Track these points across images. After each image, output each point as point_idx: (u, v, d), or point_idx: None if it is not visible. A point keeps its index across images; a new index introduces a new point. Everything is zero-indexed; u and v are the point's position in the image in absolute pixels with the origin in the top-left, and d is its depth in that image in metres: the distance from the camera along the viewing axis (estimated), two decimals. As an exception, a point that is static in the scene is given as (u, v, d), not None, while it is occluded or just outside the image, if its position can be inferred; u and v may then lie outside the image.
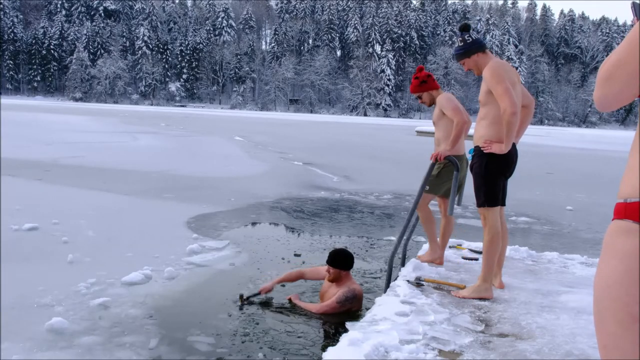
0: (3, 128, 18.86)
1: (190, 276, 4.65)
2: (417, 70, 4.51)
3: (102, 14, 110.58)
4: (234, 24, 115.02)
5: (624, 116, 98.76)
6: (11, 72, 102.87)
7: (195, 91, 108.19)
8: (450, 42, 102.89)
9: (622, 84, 1.15)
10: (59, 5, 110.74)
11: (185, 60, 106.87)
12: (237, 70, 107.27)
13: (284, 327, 3.63)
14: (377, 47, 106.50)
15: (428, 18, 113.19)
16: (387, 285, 3.92)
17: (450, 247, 5.07)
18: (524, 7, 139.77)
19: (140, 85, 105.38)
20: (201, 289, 4.38)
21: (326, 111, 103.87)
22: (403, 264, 4.53)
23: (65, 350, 3.08)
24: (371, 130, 41.01)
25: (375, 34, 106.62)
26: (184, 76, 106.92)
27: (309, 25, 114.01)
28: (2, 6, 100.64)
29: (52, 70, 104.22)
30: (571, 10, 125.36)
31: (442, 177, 4.31)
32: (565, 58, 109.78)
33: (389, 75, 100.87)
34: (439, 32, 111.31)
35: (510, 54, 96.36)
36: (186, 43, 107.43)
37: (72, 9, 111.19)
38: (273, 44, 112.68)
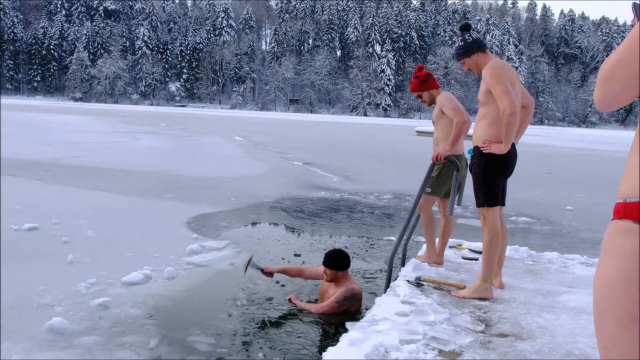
0: (3, 128, 18.86)
1: (190, 276, 4.65)
2: (417, 70, 4.52)
3: (102, 14, 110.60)
4: (234, 24, 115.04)
5: (624, 116, 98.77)
6: (11, 72, 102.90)
7: (195, 91, 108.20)
8: (450, 42, 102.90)
9: (623, 84, 1.15)
10: (59, 5, 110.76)
11: (185, 60, 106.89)
12: (237, 70, 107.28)
13: (284, 327, 3.63)
14: (377, 47, 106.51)
15: (428, 18, 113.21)
16: (387, 285, 3.92)
17: (450, 247, 5.07)
18: (524, 7, 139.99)
19: (140, 85, 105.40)
20: (201, 289, 4.38)
21: (326, 111, 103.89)
22: (403, 264, 4.53)
23: (65, 350, 3.08)
24: (371, 130, 41.01)
25: (375, 34, 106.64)
26: (184, 76, 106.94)
27: (309, 25, 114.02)
28: (2, 6, 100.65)
29: (52, 70, 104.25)
30: (571, 10, 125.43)
31: (442, 178, 4.31)
32: (565, 58, 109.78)
33: (389, 75, 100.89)
34: (439, 32, 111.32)
35: (510, 54, 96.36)
36: (186, 43, 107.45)
37: (72, 9, 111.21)
38: (273, 44, 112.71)
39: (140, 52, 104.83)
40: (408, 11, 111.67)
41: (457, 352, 2.66)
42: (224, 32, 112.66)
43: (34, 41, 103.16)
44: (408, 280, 3.85)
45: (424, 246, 4.90)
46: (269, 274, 4.28)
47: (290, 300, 4.10)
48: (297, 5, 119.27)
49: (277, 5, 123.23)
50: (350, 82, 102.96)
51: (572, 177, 15.50)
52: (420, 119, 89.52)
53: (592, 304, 1.22)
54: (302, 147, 20.88)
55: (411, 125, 51.74)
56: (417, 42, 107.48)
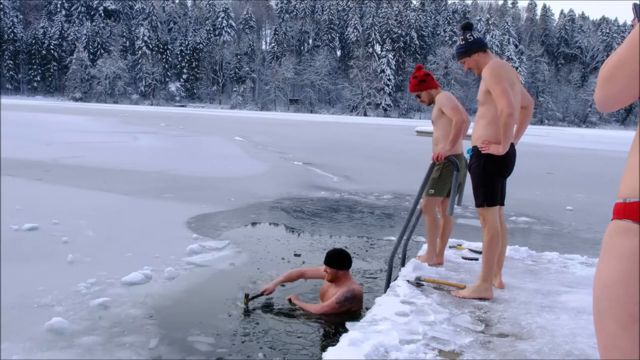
0: (3, 128, 18.86)
1: (190, 276, 4.65)
2: (415, 69, 4.51)
3: (102, 14, 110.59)
4: (234, 24, 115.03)
5: (624, 116, 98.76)
6: (11, 72, 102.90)
7: (195, 91, 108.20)
8: (450, 42, 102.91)
9: (623, 84, 1.15)
10: (59, 5, 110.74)
11: (185, 60, 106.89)
12: (237, 70, 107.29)
13: (284, 327, 3.63)
14: (377, 47, 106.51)
15: (428, 18, 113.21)
16: (387, 285, 3.92)
17: (450, 247, 5.07)
18: (524, 7, 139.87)
19: (140, 85, 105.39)
20: (201, 289, 4.38)
21: (326, 111, 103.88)
22: (403, 264, 4.53)
23: (65, 350, 3.08)
24: (371, 130, 41.01)
25: (375, 34, 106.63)
26: (184, 76, 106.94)
27: (309, 25, 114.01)
28: (2, 6, 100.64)
29: (52, 70, 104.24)
30: (571, 10, 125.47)
31: (443, 178, 4.31)
32: (565, 58, 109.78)
33: (389, 75, 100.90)
34: (439, 32, 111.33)
35: (510, 54, 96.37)
36: (186, 43, 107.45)
37: (72, 9, 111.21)
38: (273, 44, 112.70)
39: (140, 52, 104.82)
40: (408, 11, 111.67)
41: (457, 352, 2.66)
42: (224, 32, 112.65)
43: (34, 41, 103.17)
44: (408, 280, 3.85)
45: (424, 246, 4.90)
46: (271, 291, 4.17)
47: (290, 300, 4.10)
48: (297, 5, 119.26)
49: (277, 5, 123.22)
50: (350, 82, 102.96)
51: (572, 177, 15.50)
52: (420, 119, 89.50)
53: (592, 304, 1.22)
54: (302, 147, 20.88)
55: (411, 125, 51.74)
56: (417, 42, 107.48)
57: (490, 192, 3.55)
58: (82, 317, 3.57)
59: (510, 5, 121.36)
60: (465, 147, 4.10)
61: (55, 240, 5.48)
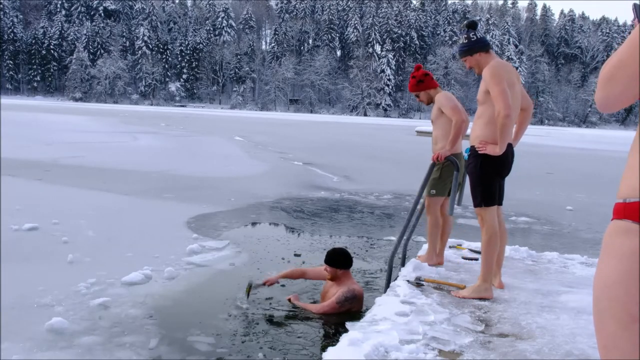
0: (3, 128, 18.86)
1: (190, 276, 4.65)
2: (415, 69, 4.49)
3: (102, 14, 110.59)
4: (234, 24, 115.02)
5: (624, 116, 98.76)
6: (11, 72, 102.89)
7: (195, 91, 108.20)
8: (450, 42, 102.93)
9: (623, 85, 1.15)
10: (58, 5, 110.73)
11: (185, 60, 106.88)
12: (237, 70, 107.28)
13: (284, 327, 3.63)
14: (377, 47, 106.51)
15: (428, 18, 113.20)
16: (387, 285, 3.92)
17: (450, 247, 5.07)
18: (524, 7, 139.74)
19: (140, 85, 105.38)
20: (201, 289, 4.38)
21: (326, 111, 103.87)
22: (403, 264, 4.53)
23: (65, 350, 3.08)
24: (371, 130, 41.01)
25: (375, 34, 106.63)
26: (184, 76, 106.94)
27: (309, 25, 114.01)
28: (2, 6, 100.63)
29: (52, 70, 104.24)
30: (571, 10, 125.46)
31: (443, 178, 4.31)
32: (565, 58, 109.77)
33: (389, 75, 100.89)
34: (439, 32, 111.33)
35: (510, 54, 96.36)
36: (186, 43, 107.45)
37: (72, 9, 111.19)
38: (273, 44, 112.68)
39: (140, 52, 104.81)
40: (408, 11, 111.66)
41: (457, 352, 2.66)
42: (224, 32, 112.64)
43: (33, 41, 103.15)
44: (408, 280, 3.85)
45: (424, 246, 4.90)
46: (272, 283, 4.24)
47: (290, 300, 4.10)
48: (297, 5, 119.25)
49: (277, 5, 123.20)
50: (350, 82, 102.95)
51: (572, 177, 15.50)
52: (420, 119, 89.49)
53: (592, 304, 1.22)
54: (302, 147, 20.88)
55: (411, 125, 51.74)
56: (417, 42, 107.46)
57: (488, 192, 3.55)
58: (82, 317, 3.57)
59: (510, 5, 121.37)
60: (464, 146, 4.11)
61: (55, 240, 5.47)
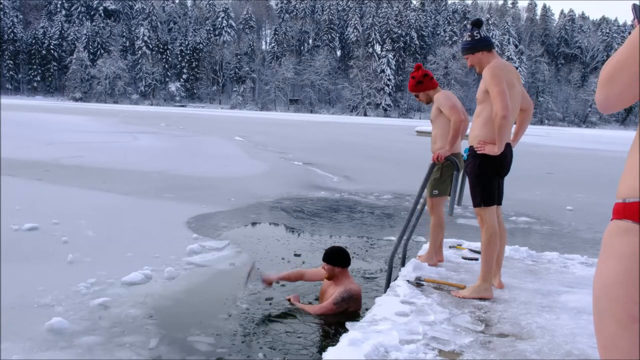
0: (3, 128, 18.86)
1: (190, 276, 4.65)
2: (414, 69, 4.48)
3: (102, 14, 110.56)
4: (234, 24, 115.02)
5: (624, 116, 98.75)
6: (11, 72, 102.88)
7: (195, 91, 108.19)
8: (450, 42, 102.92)
9: (624, 85, 1.15)
10: (58, 5, 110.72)
11: (185, 60, 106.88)
12: (237, 70, 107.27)
13: (284, 327, 3.63)
14: (377, 47, 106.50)
15: (428, 18, 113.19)
16: (387, 285, 3.92)
17: (450, 247, 5.07)
18: (524, 7, 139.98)
19: (140, 85, 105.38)
20: (201, 289, 4.38)
21: (326, 111, 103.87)
22: (403, 264, 4.53)
23: (65, 350, 3.08)
24: (371, 130, 41.01)
25: (375, 34, 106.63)
26: (184, 76, 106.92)
27: (309, 25, 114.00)
28: (2, 6, 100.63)
29: (52, 70, 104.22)
30: (571, 10, 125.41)
31: (444, 177, 4.30)
32: (565, 58, 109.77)
33: (389, 75, 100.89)
34: (439, 32, 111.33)
35: (510, 54, 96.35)
36: (186, 43, 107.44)
37: (72, 9, 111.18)
38: (273, 44, 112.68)
39: (140, 52, 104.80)
40: (408, 11, 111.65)
41: (457, 352, 2.66)
42: (224, 32, 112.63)
43: (33, 41, 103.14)
44: (408, 280, 3.85)
45: (424, 246, 4.90)
46: (269, 283, 4.25)
47: (289, 300, 4.10)
48: (297, 5, 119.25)
49: (277, 5, 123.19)
50: (350, 82, 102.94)
51: (572, 177, 15.50)
52: (420, 118, 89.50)
53: (592, 304, 1.22)
54: (302, 147, 20.88)
55: (411, 125, 51.75)
56: (417, 42, 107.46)
57: (487, 192, 3.56)
58: (82, 317, 3.57)
59: (510, 5, 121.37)
60: (464, 146, 4.11)
61: (55, 240, 5.48)
